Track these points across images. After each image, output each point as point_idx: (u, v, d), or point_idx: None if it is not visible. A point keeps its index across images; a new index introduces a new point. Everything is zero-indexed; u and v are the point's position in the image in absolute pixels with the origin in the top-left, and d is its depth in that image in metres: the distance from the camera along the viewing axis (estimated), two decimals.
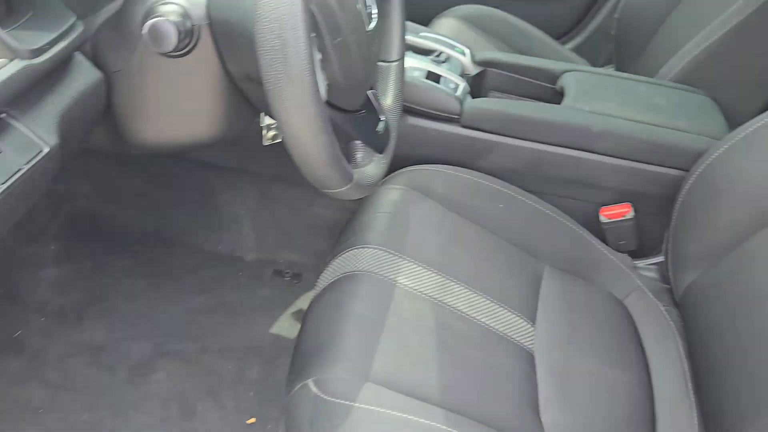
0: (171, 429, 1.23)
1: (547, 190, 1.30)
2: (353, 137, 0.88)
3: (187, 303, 1.46)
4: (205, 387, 1.30)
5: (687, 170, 1.16)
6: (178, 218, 1.58)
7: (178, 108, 0.93)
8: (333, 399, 0.90)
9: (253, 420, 1.27)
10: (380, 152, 0.93)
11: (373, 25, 0.87)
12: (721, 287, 1.06)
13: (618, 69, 1.89)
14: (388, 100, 1.02)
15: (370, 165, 0.90)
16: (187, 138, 0.96)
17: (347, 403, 0.89)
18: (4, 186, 0.66)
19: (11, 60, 0.69)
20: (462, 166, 1.27)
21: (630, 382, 1.09)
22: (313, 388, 0.92)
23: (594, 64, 2.02)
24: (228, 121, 0.95)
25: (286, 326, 1.45)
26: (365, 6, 0.85)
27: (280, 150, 1.22)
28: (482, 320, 1.07)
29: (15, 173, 0.67)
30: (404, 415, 0.89)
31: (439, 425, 0.89)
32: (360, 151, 0.89)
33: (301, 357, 0.99)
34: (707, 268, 1.11)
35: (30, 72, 0.71)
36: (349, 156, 0.89)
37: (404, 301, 1.03)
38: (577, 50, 2.19)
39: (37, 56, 0.72)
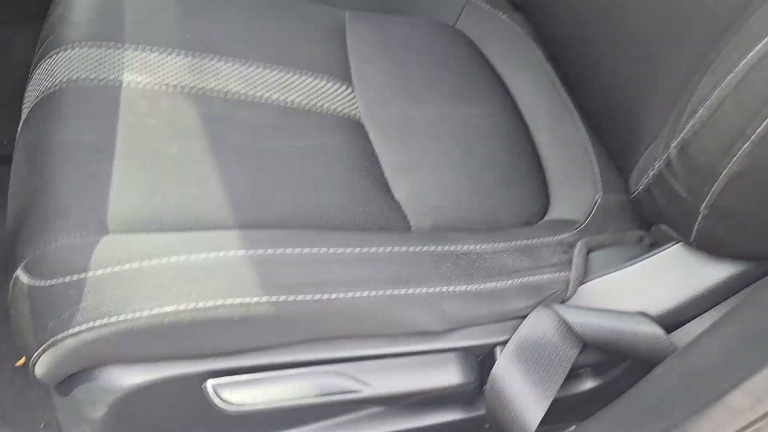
0: None
1: None
2: None
3: None
4: None
5: None
6: None
7: None
8: (55, 281, 0.53)
9: (22, 361, 0.88)
10: None
11: None
12: None
13: None
14: None
15: None
16: None
17: (78, 277, 0.53)
18: None
19: None
20: None
21: (490, 114, 0.80)
22: (25, 279, 0.55)
23: None
24: None
25: None
26: None
27: None
28: (273, 97, 0.72)
29: None
30: (189, 257, 0.54)
31: (254, 251, 0.56)
32: None
33: (10, 233, 0.60)
34: None
35: None
36: None
37: (141, 104, 0.66)
38: None
39: None
